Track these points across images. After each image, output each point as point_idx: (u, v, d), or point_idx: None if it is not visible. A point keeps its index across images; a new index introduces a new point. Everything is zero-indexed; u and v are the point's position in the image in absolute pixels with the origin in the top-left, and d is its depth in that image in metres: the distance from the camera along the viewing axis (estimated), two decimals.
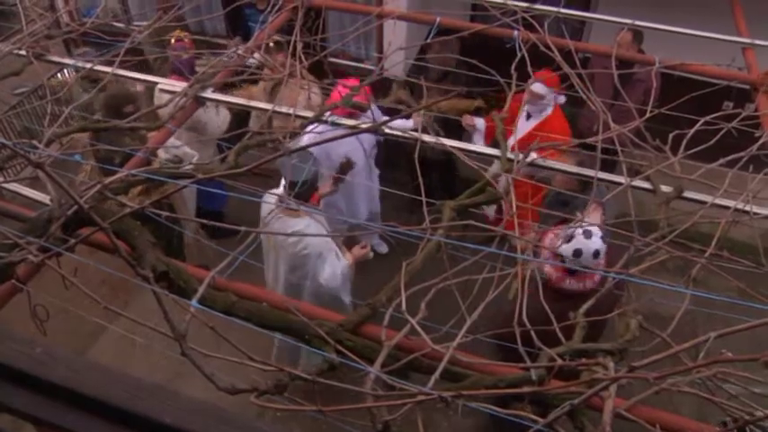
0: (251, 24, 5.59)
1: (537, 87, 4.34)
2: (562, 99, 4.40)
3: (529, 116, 4.55)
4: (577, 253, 2.76)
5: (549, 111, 4.49)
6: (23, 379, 0.84)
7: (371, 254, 3.73)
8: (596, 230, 2.78)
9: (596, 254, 2.76)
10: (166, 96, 3.12)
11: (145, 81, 3.42)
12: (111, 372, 0.81)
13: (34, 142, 2.12)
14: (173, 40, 4.56)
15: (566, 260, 2.80)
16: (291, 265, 3.53)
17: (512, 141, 4.43)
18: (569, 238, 2.77)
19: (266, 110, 2.90)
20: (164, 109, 2.91)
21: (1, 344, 0.88)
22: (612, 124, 2.47)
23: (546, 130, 4.35)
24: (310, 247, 3.39)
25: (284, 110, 2.79)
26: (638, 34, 4.36)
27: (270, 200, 3.41)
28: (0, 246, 1.75)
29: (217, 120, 4.55)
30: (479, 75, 2.99)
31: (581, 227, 2.72)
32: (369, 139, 4.23)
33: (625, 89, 2.94)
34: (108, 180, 1.98)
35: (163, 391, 0.78)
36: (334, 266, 3.48)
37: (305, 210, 3.30)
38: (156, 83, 3.16)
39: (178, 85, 2.99)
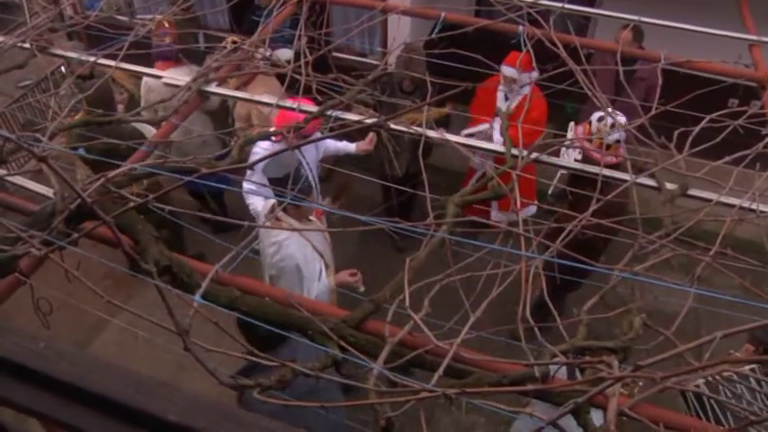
0: (255, 18, 5.58)
1: (507, 71, 4.35)
2: (535, 75, 4.37)
3: (507, 98, 4.56)
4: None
5: (527, 90, 4.43)
6: (26, 373, 0.84)
7: (362, 287, 3.51)
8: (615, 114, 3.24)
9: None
10: (162, 90, 3.12)
11: (148, 74, 3.42)
12: (114, 367, 0.81)
13: (38, 135, 2.12)
14: (166, 23, 4.51)
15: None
16: (270, 273, 3.41)
17: (496, 125, 4.48)
18: (612, 126, 3.33)
19: (270, 104, 2.89)
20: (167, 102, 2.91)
21: (3, 338, 0.88)
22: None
23: (522, 110, 4.37)
24: (287, 259, 3.24)
25: (288, 104, 2.78)
26: (638, 33, 4.32)
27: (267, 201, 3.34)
28: (3, 239, 1.75)
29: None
30: (476, 69, 2.99)
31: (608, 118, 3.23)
32: (312, 159, 4.14)
33: (627, 85, 2.93)
34: (112, 174, 1.98)
35: (167, 388, 0.77)
36: (310, 287, 3.32)
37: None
38: (160, 76, 3.15)
39: (182, 79, 2.98)
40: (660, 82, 2.85)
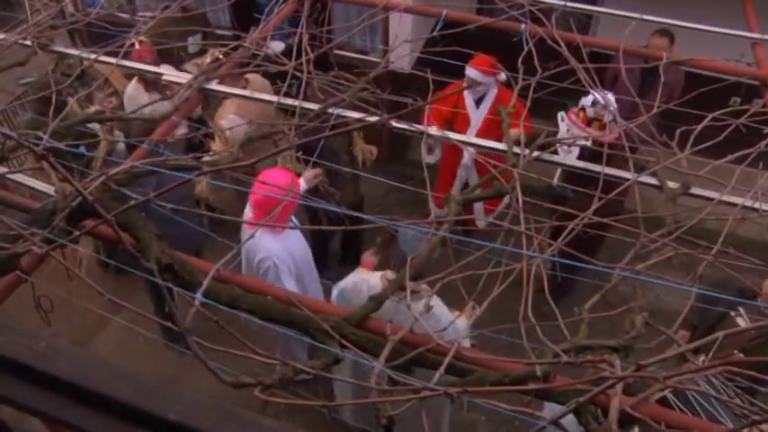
0: (257, 16, 5.56)
1: (473, 74, 4.34)
2: (503, 77, 4.36)
3: (478, 104, 4.56)
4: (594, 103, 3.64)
5: (495, 92, 4.50)
6: (26, 372, 0.83)
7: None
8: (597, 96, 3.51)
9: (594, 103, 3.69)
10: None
11: (148, 72, 3.42)
12: (115, 366, 0.81)
13: (39, 133, 2.11)
14: (137, 45, 4.46)
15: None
16: None
17: (471, 132, 4.46)
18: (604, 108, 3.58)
19: (271, 102, 2.89)
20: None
21: (4, 336, 0.88)
22: (621, 121, 2.45)
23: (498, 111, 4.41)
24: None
25: (289, 101, 2.77)
26: (671, 37, 4.28)
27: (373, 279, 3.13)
28: (4, 237, 1.75)
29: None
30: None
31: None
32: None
33: (650, 91, 2.92)
34: (112, 171, 1.98)
35: (168, 387, 0.77)
36: None
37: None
38: (161, 74, 3.14)
39: (183, 76, 2.98)
40: (681, 86, 2.84)
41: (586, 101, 3.71)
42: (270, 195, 3.09)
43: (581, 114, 3.80)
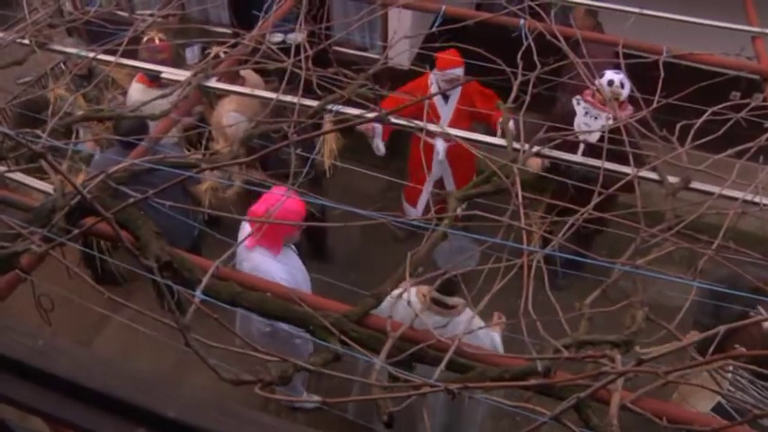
0: (256, 12, 5.54)
1: (454, 72, 4.32)
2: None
3: (446, 98, 4.53)
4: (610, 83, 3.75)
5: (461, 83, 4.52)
6: (26, 371, 0.83)
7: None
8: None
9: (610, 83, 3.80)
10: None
11: (148, 70, 3.41)
12: (114, 364, 0.81)
13: (37, 132, 2.11)
14: (157, 38, 4.43)
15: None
16: None
17: (443, 126, 4.42)
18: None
19: (270, 99, 2.88)
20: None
21: (4, 335, 0.88)
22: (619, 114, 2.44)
23: (468, 101, 4.46)
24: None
25: (288, 98, 2.77)
26: (593, 15, 4.39)
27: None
28: (3, 236, 1.75)
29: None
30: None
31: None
32: None
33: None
34: (112, 170, 1.98)
35: (166, 384, 0.77)
36: None
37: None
38: (160, 72, 3.13)
39: (181, 74, 2.97)
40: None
41: (601, 82, 3.73)
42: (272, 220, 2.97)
43: (597, 96, 3.87)
